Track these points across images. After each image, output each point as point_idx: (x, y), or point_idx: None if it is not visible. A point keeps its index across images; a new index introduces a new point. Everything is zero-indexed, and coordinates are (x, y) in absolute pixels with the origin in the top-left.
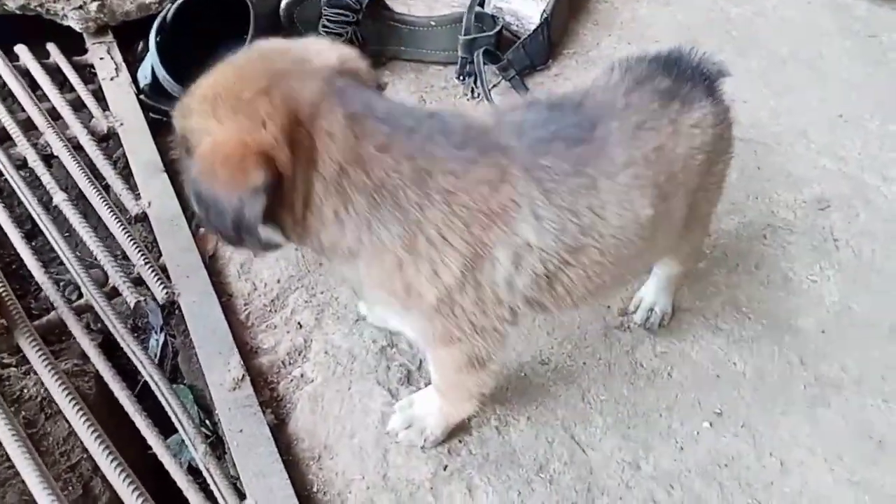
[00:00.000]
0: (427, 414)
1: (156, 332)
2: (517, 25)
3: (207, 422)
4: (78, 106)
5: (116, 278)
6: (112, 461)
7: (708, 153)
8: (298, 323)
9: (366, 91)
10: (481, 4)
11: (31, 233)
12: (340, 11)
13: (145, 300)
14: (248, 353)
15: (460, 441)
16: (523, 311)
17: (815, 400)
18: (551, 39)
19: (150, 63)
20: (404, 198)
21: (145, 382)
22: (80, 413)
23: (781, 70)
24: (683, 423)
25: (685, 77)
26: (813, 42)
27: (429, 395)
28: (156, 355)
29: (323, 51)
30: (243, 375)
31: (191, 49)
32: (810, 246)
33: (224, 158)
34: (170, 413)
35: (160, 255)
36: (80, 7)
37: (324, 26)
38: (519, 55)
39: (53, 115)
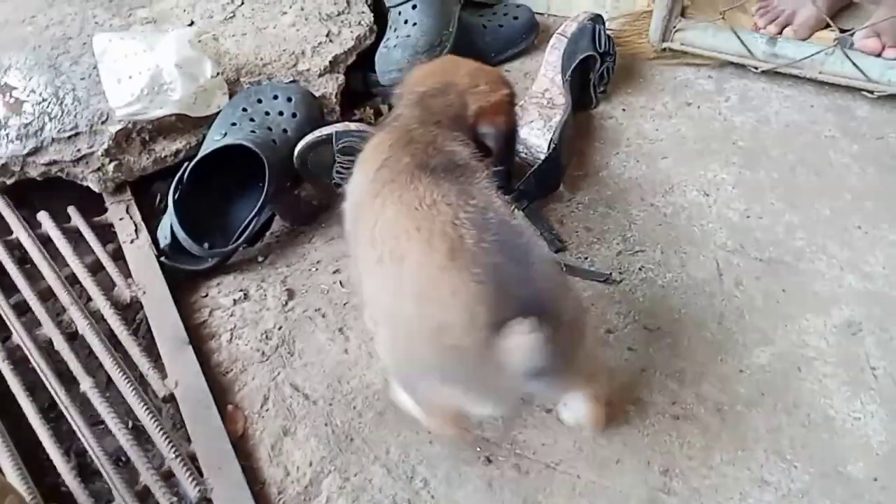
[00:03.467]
0: None
1: None
2: (526, 153)
3: None
4: (98, 271)
5: (147, 475)
6: None
7: None
8: None
9: None
10: None
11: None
12: (351, 158)
13: (179, 499)
14: None
15: None
16: None
17: None
18: (562, 165)
19: (170, 223)
20: None
21: None
22: None
23: (791, 180)
24: None
25: None
26: (818, 148)
27: None
28: None
29: None
30: None
31: (209, 205)
32: (847, 377)
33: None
34: None
35: (189, 440)
36: (99, 169)
37: (337, 172)
38: (530, 184)
39: (75, 283)
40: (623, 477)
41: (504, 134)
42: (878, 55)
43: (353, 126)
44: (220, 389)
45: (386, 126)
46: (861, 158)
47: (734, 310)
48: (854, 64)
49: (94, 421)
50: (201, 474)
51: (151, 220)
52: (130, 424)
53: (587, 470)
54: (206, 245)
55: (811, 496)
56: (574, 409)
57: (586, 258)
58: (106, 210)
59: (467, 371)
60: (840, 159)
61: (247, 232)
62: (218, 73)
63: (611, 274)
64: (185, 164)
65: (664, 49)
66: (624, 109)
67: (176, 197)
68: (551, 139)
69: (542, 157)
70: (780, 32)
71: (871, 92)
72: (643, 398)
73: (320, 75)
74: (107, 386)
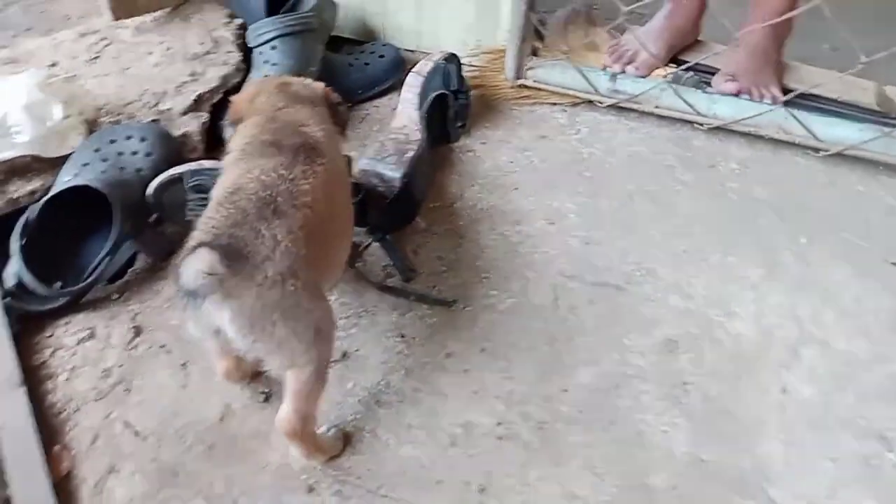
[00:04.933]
0: None
1: None
2: (382, 187)
3: None
4: None
5: None
6: None
7: None
8: None
9: None
10: None
11: None
12: (203, 196)
13: None
14: None
15: None
16: None
17: None
18: (416, 198)
19: (16, 266)
20: None
21: None
22: None
23: (628, 207)
24: None
25: None
26: (657, 176)
27: None
28: None
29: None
30: None
31: (63, 244)
32: (661, 393)
33: None
34: None
35: (6, 484)
36: None
37: (190, 210)
38: (385, 217)
39: None
40: (441, 497)
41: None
42: (736, 95)
43: (207, 164)
44: (50, 430)
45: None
46: (694, 186)
47: (566, 332)
48: (683, 99)
49: None
50: None
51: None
52: None
53: (408, 493)
54: (58, 284)
55: None
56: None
57: (434, 286)
58: None
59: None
60: (675, 187)
61: (97, 271)
62: (68, 116)
63: (455, 301)
64: (31, 205)
65: (520, 85)
66: (483, 143)
67: (23, 240)
68: (404, 173)
69: (397, 189)
70: (624, 70)
71: (701, 125)
72: (472, 420)
73: (183, 114)
74: None
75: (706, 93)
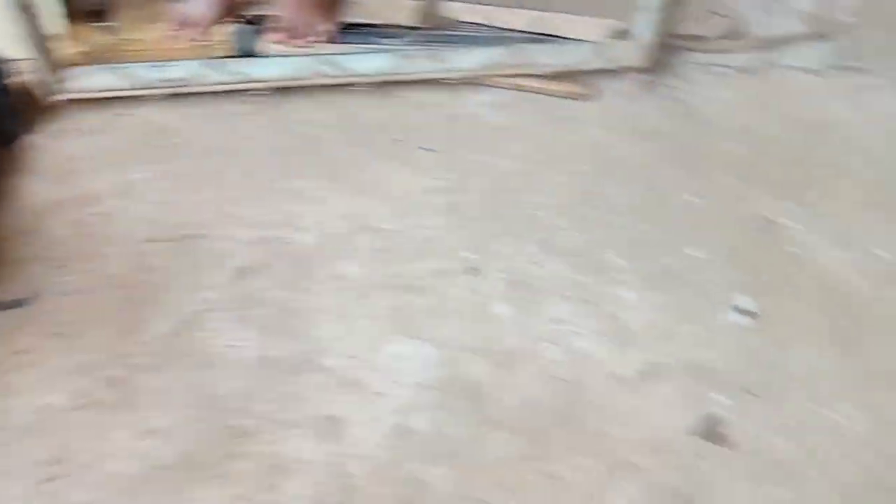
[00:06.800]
0: None
1: None
2: None
3: None
4: None
5: None
6: None
7: None
8: None
9: None
10: None
11: None
12: None
13: None
14: None
15: None
16: None
17: None
18: None
19: None
20: None
21: None
22: None
23: (201, 164)
24: None
25: None
26: (230, 136)
27: None
28: None
29: None
30: None
31: None
32: (235, 317)
33: None
34: None
35: None
36: None
37: None
38: None
39: None
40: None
41: None
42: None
43: None
44: None
45: None
46: (267, 129)
47: (148, 292)
48: (230, 72)
49: None
50: None
51: None
52: None
53: None
54: None
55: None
56: None
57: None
58: None
59: None
60: (240, 138)
61: None
62: None
63: (26, 298)
64: None
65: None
66: (51, 136)
67: None
68: None
69: None
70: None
71: (261, 90)
72: (50, 403)
73: None
74: None
75: (254, 56)
